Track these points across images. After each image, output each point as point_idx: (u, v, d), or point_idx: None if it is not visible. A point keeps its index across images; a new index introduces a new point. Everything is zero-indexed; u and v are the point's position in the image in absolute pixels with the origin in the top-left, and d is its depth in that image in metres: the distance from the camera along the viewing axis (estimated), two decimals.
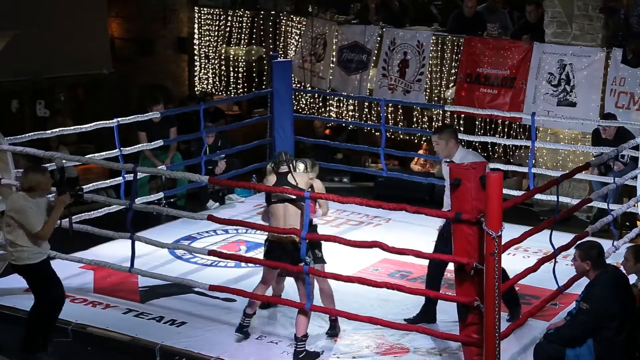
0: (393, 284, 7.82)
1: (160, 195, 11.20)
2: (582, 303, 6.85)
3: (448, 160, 7.88)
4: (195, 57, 17.14)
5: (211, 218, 8.18)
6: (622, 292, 6.94)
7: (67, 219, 7.74)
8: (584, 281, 7.26)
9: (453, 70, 12.85)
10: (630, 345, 6.93)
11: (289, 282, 8.17)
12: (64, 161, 8.11)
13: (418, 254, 7.65)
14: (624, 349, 6.84)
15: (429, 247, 8.16)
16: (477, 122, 12.69)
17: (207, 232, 10.79)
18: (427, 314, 8.13)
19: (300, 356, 7.46)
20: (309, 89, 14.54)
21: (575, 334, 6.84)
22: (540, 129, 12.19)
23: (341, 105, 14.41)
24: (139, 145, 11.23)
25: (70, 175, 12.98)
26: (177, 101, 17.09)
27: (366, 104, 13.79)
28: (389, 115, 13.32)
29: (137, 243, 8.58)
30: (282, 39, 15.76)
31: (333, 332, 7.98)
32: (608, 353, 6.78)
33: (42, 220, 7.39)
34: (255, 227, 8.18)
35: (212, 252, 8.43)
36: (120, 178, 10.26)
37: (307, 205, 7.42)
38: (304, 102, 14.87)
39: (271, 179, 7.75)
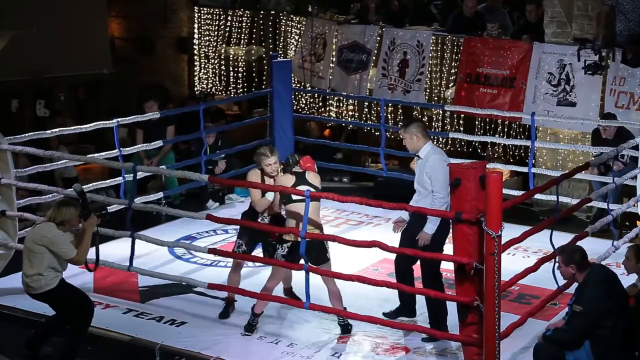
0: (393, 284, 7.85)
1: (160, 195, 11.21)
2: (575, 305, 6.82)
3: (415, 154, 8.07)
4: (195, 57, 17.14)
5: (210, 217, 8.18)
6: (613, 289, 6.91)
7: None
8: None
9: (453, 70, 12.84)
10: (629, 344, 6.92)
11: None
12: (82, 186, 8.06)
13: (418, 254, 7.66)
14: (621, 347, 6.83)
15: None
16: (477, 122, 12.69)
17: (206, 232, 10.79)
18: (406, 309, 8.21)
19: None
20: (309, 88, 14.53)
21: (572, 338, 6.81)
22: (540, 128, 12.19)
23: (341, 105, 14.41)
24: (138, 145, 11.25)
25: (70, 175, 13.00)
26: (177, 101, 17.09)
27: (366, 103, 13.78)
28: (389, 115, 13.31)
29: (137, 243, 8.59)
30: (282, 38, 15.75)
31: (345, 328, 8.01)
32: (605, 353, 6.76)
33: (73, 247, 7.45)
34: (255, 227, 8.19)
35: (212, 250, 8.43)
36: (120, 178, 10.27)
37: (307, 204, 7.43)
38: (304, 102, 14.87)
39: (289, 179, 7.79)
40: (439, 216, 7.61)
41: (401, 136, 8.18)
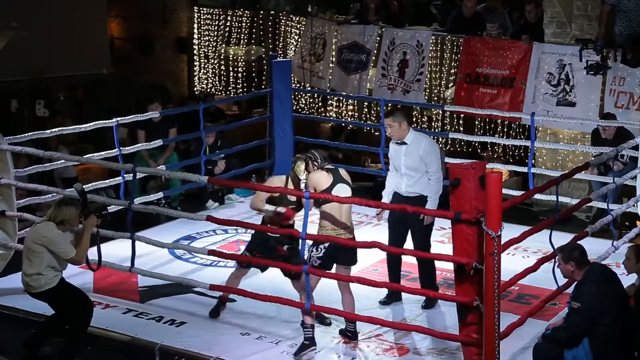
0: (393, 284, 7.85)
1: (160, 195, 11.21)
2: (573, 302, 6.83)
3: (399, 142, 8.29)
4: (195, 57, 17.15)
5: (210, 219, 8.17)
6: (612, 287, 6.91)
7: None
8: None
9: (452, 70, 12.84)
10: (628, 343, 6.92)
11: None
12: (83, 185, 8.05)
13: (417, 254, 7.67)
14: (620, 345, 6.82)
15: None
16: (476, 122, 12.69)
17: (206, 232, 10.79)
18: (396, 293, 8.48)
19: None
20: (309, 88, 14.54)
21: (571, 335, 6.81)
22: (540, 128, 12.19)
23: (341, 105, 14.41)
24: (138, 144, 11.25)
25: (70, 175, 13.00)
26: (177, 101, 17.10)
27: (366, 103, 13.79)
28: None
29: (136, 243, 8.60)
30: (281, 38, 15.76)
31: (352, 333, 7.95)
32: (604, 351, 6.76)
33: (73, 247, 7.45)
34: (254, 228, 8.19)
35: (212, 252, 8.43)
36: (120, 178, 10.27)
37: (306, 204, 7.42)
38: (304, 102, 14.88)
39: (324, 177, 7.68)
40: (439, 216, 7.63)
41: (387, 124, 8.25)
